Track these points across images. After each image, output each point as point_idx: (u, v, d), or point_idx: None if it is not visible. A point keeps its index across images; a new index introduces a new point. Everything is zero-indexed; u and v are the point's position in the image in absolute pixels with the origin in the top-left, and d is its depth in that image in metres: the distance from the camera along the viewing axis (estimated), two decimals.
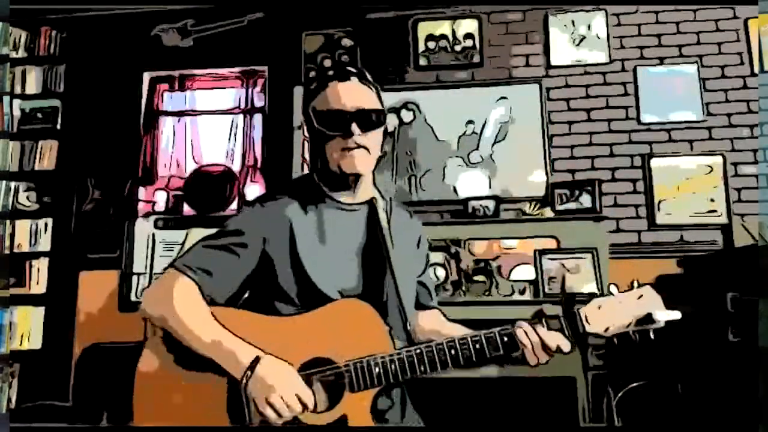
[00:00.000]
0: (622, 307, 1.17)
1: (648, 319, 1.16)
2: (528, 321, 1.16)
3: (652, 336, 1.16)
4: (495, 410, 2.68)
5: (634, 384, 2.81)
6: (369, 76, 1.32)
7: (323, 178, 1.32)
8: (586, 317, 1.16)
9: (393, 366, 1.12)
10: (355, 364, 1.12)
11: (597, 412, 2.79)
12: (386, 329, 1.16)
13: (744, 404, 2.31)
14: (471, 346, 1.13)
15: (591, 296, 1.20)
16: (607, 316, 1.17)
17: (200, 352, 1.12)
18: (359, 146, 1.24)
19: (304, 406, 1.08)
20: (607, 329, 1.16)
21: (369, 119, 1.25)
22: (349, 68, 1.31)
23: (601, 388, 2.80)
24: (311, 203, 1.29)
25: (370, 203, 1.33)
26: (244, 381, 1.07)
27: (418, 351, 1.13)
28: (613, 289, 1.19)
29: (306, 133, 1.34)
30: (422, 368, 1.12)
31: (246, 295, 1.29)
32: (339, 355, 1.13)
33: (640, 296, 1.19)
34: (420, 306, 1.41)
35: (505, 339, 1.13)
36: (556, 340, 1.14)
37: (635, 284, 1.20)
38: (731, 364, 2.52)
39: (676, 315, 1.17)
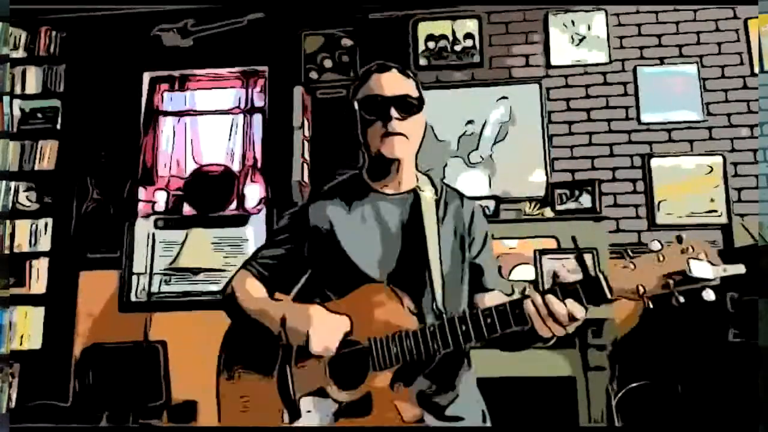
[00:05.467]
0: (659, 263, 0.98)
1: (686, 276, 0.94)
2: (541, 291, 1.07)
3: (708, 297, 0.94)
4: (494, 410, 2.68)
5: (634, 384, 2.81)
6: (409, 71, 1.39)
7: (369, 171, 1.41)
8: (607, 280, 1.01)
9: (408, 343, 1.13)
10: (375, 344, 1.17)
11: (597, 412, 2.79)
12: (407, 309, 1.18)
13: (744, 404, 2.31)
14: (483, 321, 1.10)
15: (625, 251, 1.03)
16: (636, 275, 0.99)
17: (258, 320, 1.30)
18: (398, 133, 1.30)
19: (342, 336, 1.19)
20: (637, 290, 0.98)
21: (407, 104, 1.31)
22: (390, 63, 1.39)
23: (601, 388, 2.80)
24: (356, 197, 1.39)
25: (415, 192, 1.39)
26: (283, 336, 1.22)
27: (431, 328, 1.13)
28: (654, 244, 1.00)
29: (358, 131, 1.39)
30: (435, 345, 1.12)
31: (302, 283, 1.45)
32: (363, 337, 1.19)
33: (686, 249, 0.97)
34: (477, 288, 1.39)
35: (516, 311, 1.08)
36: (567, 307, 1.02)
37: (683, 237, 0.98)
38: (731, 364, 2.52)
39: (729, 269, 0.95)
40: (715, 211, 3.33)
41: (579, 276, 1.04)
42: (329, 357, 1.20)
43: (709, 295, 0.95)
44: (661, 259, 0.98)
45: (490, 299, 1.34)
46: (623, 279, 1.01)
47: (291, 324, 1.21)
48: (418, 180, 1.42)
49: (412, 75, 1.38)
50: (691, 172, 3.40)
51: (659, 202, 3.39)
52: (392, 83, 1.33)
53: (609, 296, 1.00)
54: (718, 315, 2.65)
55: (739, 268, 0.95)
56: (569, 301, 1.02)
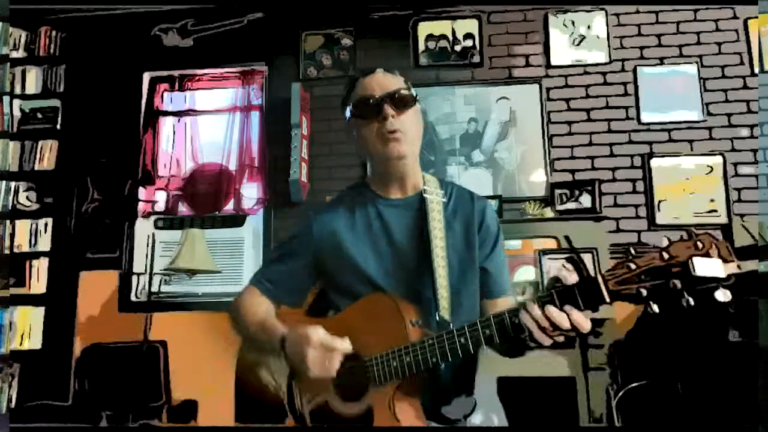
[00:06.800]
0: (665, 262, 0.88)
1: (691, 276, 0.84)
2: (539, 299, 0.99)
3: (722, 297, 0.84)
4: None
5: (634, 384, 2.81)
6: (394, 69, 1.38)
7: (373, 178, 1.40)
8: (606, 284, 0.93)
9: (408, 358, 1.11)
10: (375, 358, 1.15)
11: (597, 412, 2.79)
12: (407, 321, 1.14)
13: (744, 404, 2.31)
14: (481, 333, 1.05)
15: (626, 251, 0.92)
16: (639, 274, 0.90)
17: (258, 338, 1.30)
18: (396, 130, 1.27)
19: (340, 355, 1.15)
20: (639, 293, 0.89)
21: (400, 99, 1.29)
22: (372, 67, 1.39)
23: (601, 388, 2.80)
24: (361, 205, 1.37)
25: (421, 195, 1.35)
26: (283, 356, 1.20)
27: (430, 342, 1.10)
28: (663, 240, 0.91)
29: (354, 142, 1.38)
30: (434, 359, 1.09)
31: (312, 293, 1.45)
32: (365, 350, 1.17)
33: (692, 246, 0.87)
34: (488, 294, 1.34)
35: (515, 321, 1.02)
36: (572, 318, 0.96)
37: (693, 231, 0.89)
38: (731, 364, 2.52)
39: (745, 265, 0.86)
40: (715, 211, 3.33)
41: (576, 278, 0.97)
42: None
43: (723, 295, 0.85)
44: (667, 257, 0.89)
45: (500, 307, 1.28)
46: (624, 281, 0.91)
47: (290, 345, 1.18)
48: (424, 182, 1.37)
49: (396, 73, 1.36)
50: (691, 172, 3.40)
51: (659, 202, 3.39)
52: (381, 82, 1.31)
53: (607, 300, 0.93)
54: (718, 315, 2.65)
55: (755, 264, 0.89)
56: (574, 312, 0.95)
